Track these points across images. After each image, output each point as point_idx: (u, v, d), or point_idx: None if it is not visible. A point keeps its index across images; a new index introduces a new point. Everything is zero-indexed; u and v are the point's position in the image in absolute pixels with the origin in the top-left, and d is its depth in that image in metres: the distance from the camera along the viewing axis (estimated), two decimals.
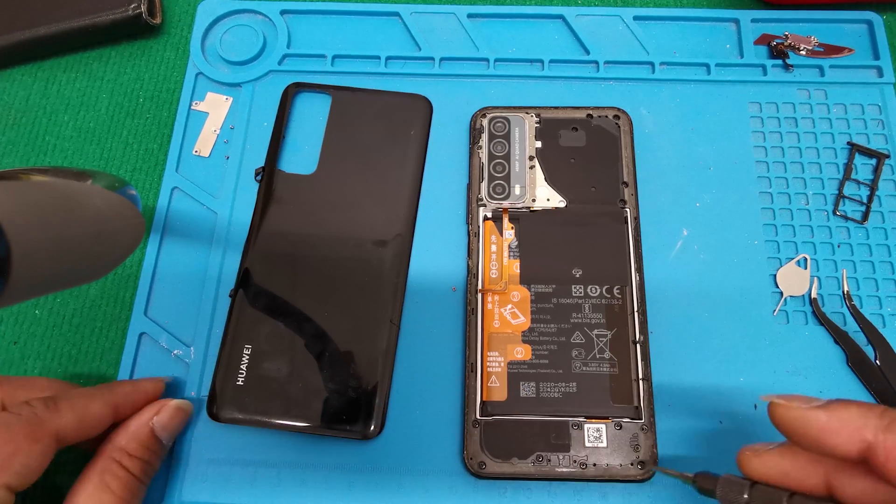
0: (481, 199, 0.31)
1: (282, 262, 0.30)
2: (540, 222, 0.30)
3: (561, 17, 0.35)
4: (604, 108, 0.32)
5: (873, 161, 0.32)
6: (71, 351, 0.30)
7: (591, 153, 0.31)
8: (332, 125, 0.33)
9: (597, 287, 0.29)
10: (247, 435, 0.28)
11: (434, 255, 0.31)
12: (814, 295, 0.29)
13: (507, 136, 0.32)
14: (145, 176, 0.33)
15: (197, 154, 0.33)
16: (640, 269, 0.29)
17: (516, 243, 0.30)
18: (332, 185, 0.31)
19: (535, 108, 0.32)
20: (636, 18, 0.35)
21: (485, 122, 0.32)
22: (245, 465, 0.28)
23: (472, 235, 0.30)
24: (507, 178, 0.31)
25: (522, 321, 0.29)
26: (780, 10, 0.35)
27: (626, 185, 0.31)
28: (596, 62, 0.34)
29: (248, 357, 0.28)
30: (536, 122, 0.32)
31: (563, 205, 0.30)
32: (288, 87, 0.33)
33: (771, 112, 0.33)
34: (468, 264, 0.30)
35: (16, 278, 0.17)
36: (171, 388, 0.29)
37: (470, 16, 0.35)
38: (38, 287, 0.20)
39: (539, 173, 0.31)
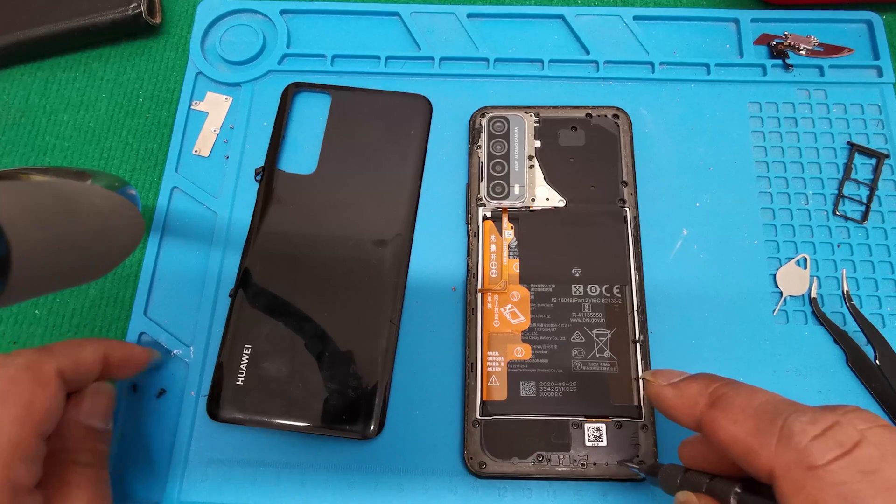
0: (480, 199, 0.31)
1: (282, 262, 0.30)
2: (539, 222, 0.30)
3: (561, 16, 0.35)
4: (603, 107, 0.32)
5: (873, 161, 0.32)
6: None
7: (590, 152, 0.31)
8: (331, 125, 0.33)
9: (596, 286, 0.29)
10: (247, 435, 0.28)
11: (434, 255, 0.31)
12: (813, 295, 0.29)
13: (507, 136, 0.32)
14: (145, 176, 0.33)
15: (197, 154, 0.33)
16: (639, 269, 0.29)
17: (516, 243, 0.30)
18: (332, 185, 0.31)
19: (534, 107, 0.32)
20: (636, 18, 0.35)
21: (484, 121, 0.32)
22: (245, 465, 0.28)
23: (471, 235, 0.30)
24: (507, 178, 0.31)
25: (522, 321, 0.29)
26: (780, 10, 0.35)
27: (626, 184, 0.31)
28: (596, 62, 0.34)
29: (247, 357, 0.28)
30: (535, 122, 0.32)
31: (562, 204, 0.30)
32: (288, 86, 0.33)
33: (771, 112, 0.33)
34: (468, 264, 0.30)
35: (16, 278, 0.17)
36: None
37: (470, 16, 0.35)
38: (38, 287, 0.20)
39: (538, 173, 0.31)
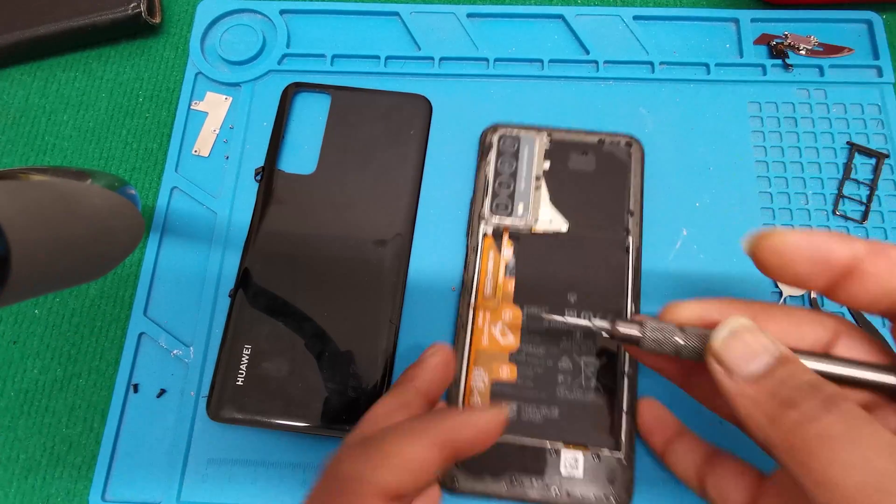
0: (483, 215, 0.30)
1: (281, 262, 0.30)
2: (540, 244, 0.30)
3: (560, 16, 0.35)
4: (616, 134, 0.31)
5: (873, 161, 0.32)
6: (70, 350, 0.30)
7: (599, 179, 0.31)
8: (331, 125, 0.33)
9: (590, 314, 0.28)
10: (247, 435, 0.28)
11: (434, 254, 0.31)
12: (813, 295, 0.29)
13: (516, 155, 0.31)
14: (145, 175, 0.33)
15: (196, 154, 0.33)
16: (636, 300, 0.29)
17: (514, 262, 0.29)
18: (331, 185, 0.31)
19: (546, 128, 0.32)
20: (636, 18, 0.35)
21: (494, 138, 0.31)
22: (245, 465, 0.28)
23: (470, 250, 0.30)
24: (512, 196, 0.30)
25: (511, 341, 0.28)
26: (780, 10, 0.35)
27: (632, 214, 0.30)
28: (596, 62, 0.34)
29: (247, 357, 0.28)
30: (547, 143, 0.31)
31: (565, 228, 0.30)
32: (287, 86, 0.33)
33: (770, 112, 0.33)
34: (464, 278, 0.30)
35: (16, 278, 0.17)
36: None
37: (469, 15, 0.35)
38: (38, 287, 0.20)
39: (544, 194, 0.30)
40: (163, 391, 0.29)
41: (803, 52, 0.33)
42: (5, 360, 0.30)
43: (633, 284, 0.29)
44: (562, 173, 0.31)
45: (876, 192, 0.31)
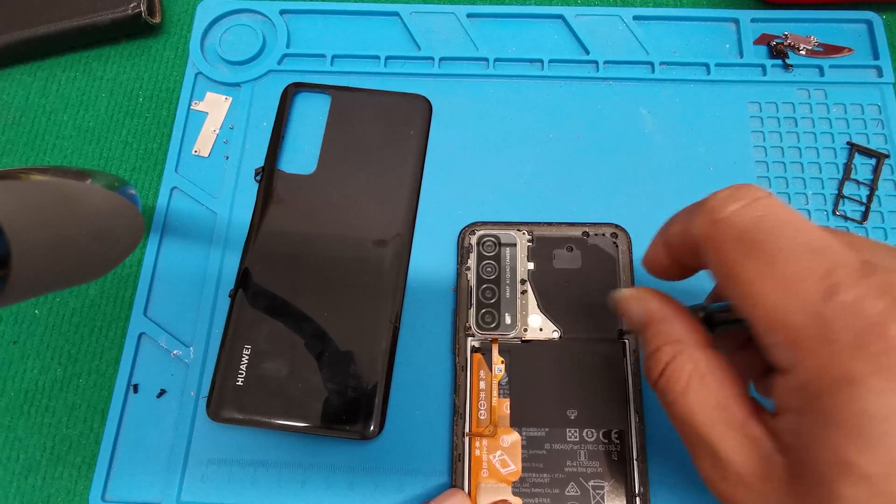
0: (469, 329, 0.28)
1: (281, 262, 0.30)
2: (532, 355, 0.28)
3: (560, 16, 0.35)
4: (600, 224, 0.30)
5: (873, 161, 0.32)
6: (70, 350, 0.30)
7: (587, 276, 0.29)
8: (331, 125, 0.33)
9: (593, 431, 0.27)
10: (247, 435, 0.28)
11: (433, 255, 0.31)
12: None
13: (497, 258, 0.29)
14: (145, 175, 0.33)
15: (196, 154, 0.33)
16: (639, 410, 0.27)
17: (507, 380, 0.28)
18: (331, 185, 0.31)
19: (527, 224, 0.30)
20: (636, 18, 0.35)
21: (473, 240, 0.30)
22: (245, 465, 0.28)
23: (458, 369, 0.28)
24: (497, 306, 0.29)
25: (513, 469, 0.26)
26: (780, 10, 0.35)
27: None
28: (596, 62, 0.34)
29: (247, 357, 0.28)
30: (528, 241, 0.30)
31: (556, 335, 0.28)
32: (287, 86, 0.33)
33: (770, 112, 0.33)
34: (454, 403, 0.28)
35: (16, 278, 0.17)
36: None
37: (469, 15, 0.35)
38: (38, 286, 0.20)
39: (531, 299, 0.29)
40: (163, 391, 0.29)
41: (803, 53, 0.33)
42: (5, 360, 0.30)
43: (635, 393, 0.27)
44: (548, 273, 0.29)
45: (876, 193, 0.31)
